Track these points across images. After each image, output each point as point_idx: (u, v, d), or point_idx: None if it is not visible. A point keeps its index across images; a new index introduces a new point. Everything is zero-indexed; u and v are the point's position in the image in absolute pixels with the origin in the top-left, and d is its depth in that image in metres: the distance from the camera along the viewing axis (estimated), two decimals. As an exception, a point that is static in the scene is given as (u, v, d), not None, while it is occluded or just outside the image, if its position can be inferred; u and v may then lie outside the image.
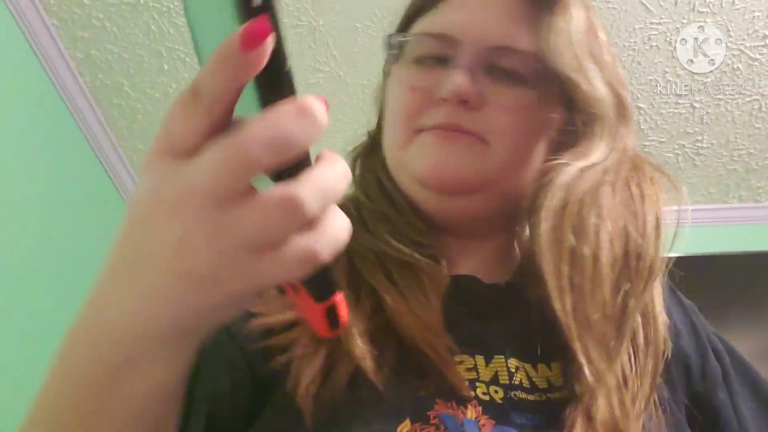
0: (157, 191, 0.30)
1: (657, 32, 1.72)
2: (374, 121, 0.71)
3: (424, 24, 0.62)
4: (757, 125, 1.91)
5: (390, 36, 0.65)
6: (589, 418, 0.49)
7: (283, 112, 0.29)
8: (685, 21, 1.69)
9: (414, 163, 0.58)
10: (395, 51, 0.64)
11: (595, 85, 0.57)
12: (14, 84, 1.65)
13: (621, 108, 0.58)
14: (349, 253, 0.57)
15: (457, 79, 0.56)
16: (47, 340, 1.68)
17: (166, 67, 1.82)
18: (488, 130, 0.57)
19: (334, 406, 0.46)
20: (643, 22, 1.70)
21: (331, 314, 0.34)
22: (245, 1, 0.28)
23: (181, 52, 1.78)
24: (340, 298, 0.34)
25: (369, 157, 0.68)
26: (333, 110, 1.89)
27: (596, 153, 0.56)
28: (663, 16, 1.69)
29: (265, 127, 0.28)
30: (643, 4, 1.66)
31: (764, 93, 1.84)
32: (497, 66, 0.58)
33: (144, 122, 1.96)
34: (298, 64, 1.78)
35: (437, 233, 0.61)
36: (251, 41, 0.28)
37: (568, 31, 0.57)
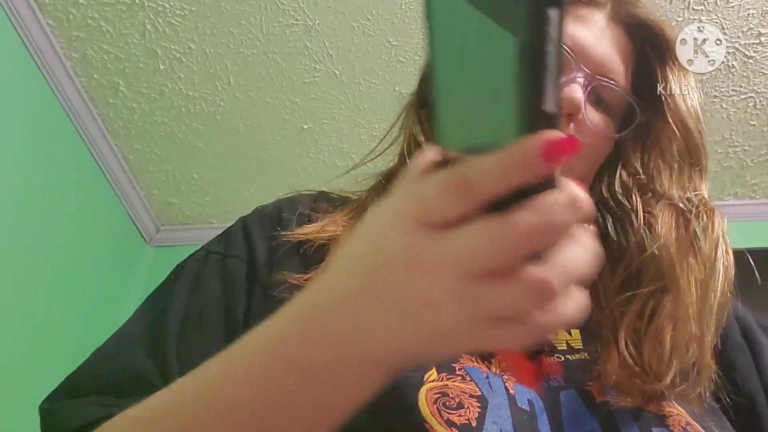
0: (411, 253, 0.32)
1: (652, 30, 1.73)
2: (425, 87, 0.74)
3: None
4: (752, 122, 1.92)
5: None
6: (610, 378, 0.53)
7: (556, 202, 0.29)
8: (680, 18, 1.69)
9: None
10: None
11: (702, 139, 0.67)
12: (9, 84, 1.65)
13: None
14: None
15: (578, 95, 0.61)
16: (39, 340, 1.68)
17: (161, 66, 1.81)
18: None
19: None
20: (638, 19, 1.70)
21: (537, 369, 0.36)
22: (538, 107, 0.27)
23: (177, 52, 1.78)
24: (546, 358, 0.36)
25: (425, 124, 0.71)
26: (328, 109, 1.89)
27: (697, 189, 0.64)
28: (658, 14, 1.69)
29: (538, 216, 0.29)
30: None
31: (759, 90, 1.84)
32: (597, 91, 0.64)
33: (140, 122, 1.95)
34: (293, 64, 1.78)
35: None
36: (556, 155, 0.27)
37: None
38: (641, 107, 0.66)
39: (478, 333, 0.31)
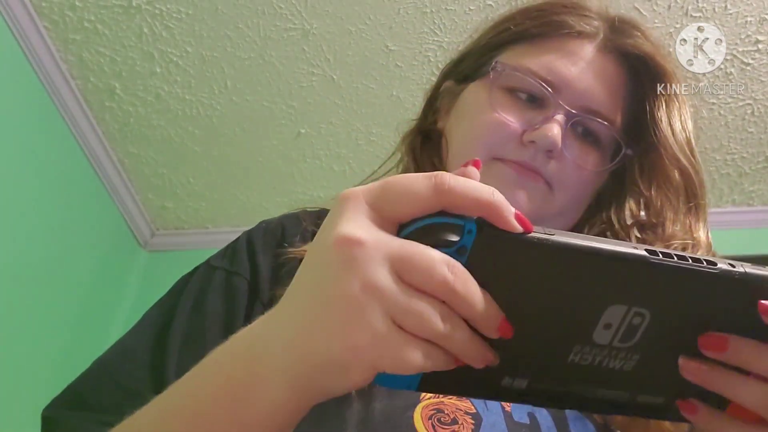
0: (343, 231, 0.32)
1: (650, 37, 1.73)
2: (427, 116, 0.76)
3: (525, 60, 0.66)
4: (750, 129, 1.92)
5: (485, 55, 0.69)
6: (614, 422, 0.55)
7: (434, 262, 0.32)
8: (678, 26, 1.70)
9: None
10: (487, 69, 0.67)
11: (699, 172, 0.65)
12: (5, 86, 1.64)
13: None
14: None
15: (555, 132, 0.62)
16: (31, 342, 1.67)
17: (158, 70, 1.81)
18: (558, 179, 0.63)
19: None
20: (636, 26, 1.70)
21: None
22: None
23: (173, 55, 1.78)
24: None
25: (425, 149, 0.73)
26: (326, 113, 1.88)
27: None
28: (656, 21, 1.69)
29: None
30: (637, 8, 1.67)
31: (757, 97, 1.84)
32: (583, 125, 0.64)
33: (136, 125, 1.94)
34: (290, 67, 1.78)
35: None
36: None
37: (677, 118, 0.65)
38: (626, 141, 0.65)
39: (395, 341, 0.31)
